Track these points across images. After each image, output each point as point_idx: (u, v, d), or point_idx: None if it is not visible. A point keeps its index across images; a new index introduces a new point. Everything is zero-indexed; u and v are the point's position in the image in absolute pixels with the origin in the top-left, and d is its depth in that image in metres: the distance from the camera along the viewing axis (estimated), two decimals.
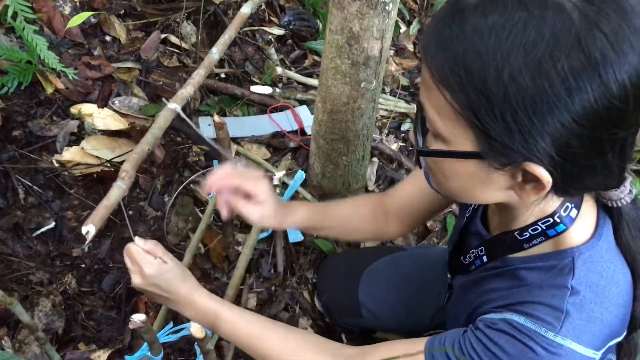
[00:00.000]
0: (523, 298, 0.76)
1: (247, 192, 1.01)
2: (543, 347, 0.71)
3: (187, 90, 1.00)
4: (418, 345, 0.83)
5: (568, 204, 0.75)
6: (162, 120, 0.94)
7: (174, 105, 0.96)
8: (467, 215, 0.98)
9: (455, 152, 0.69)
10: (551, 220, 0.75)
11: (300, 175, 1.69)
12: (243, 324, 0.97)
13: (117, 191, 0.84)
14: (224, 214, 1.03)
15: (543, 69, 0.58)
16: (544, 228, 0.76)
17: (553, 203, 0.75)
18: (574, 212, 0.75)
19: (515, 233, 0.80)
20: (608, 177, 0.68)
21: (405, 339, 0.88)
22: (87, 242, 0.80)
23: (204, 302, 0.97)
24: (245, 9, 1.16)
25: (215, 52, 1.09)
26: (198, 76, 1.03)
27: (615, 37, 0.58)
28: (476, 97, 0.62)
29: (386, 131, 2.11)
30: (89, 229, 0.78)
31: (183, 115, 0.96)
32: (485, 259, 0.89)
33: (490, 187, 0.71)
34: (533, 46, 0.58)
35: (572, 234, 0.76)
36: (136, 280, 0.94)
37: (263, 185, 1.01)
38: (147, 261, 0.92)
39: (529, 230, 0.78)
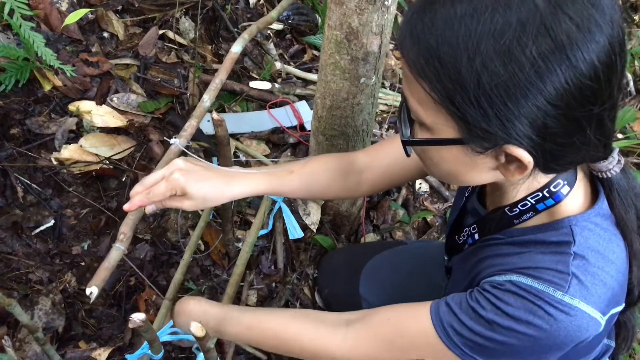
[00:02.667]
0: (526, 264, 0.76)
1: (166, 192, 0.92)
2: (553, 306, 0.72)
3: (181, 142, 1.04)
4: (422, 306, 0.84)
5: (560, 180, 0.76)
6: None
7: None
8: (466, 195, 1.00)
9: (438, 139, 0.71)
10: (540, 194, 0.77)
11: None
12: (238, 318, 1.00)
13: (116, 253, 0.89)
14: (149, 210, 0.94)
15: (513, 55, 0.60)
16: (533, 203, 0.78)
17: (541, 179, 0.76)
18: (565, 189, 0.76)
19: (506, 209, 0.82)
20: (591, 151, 0.70)
21: (407, 303, 0.89)
22: (91, 301, 0.83)
23: (195, 306, 1.03)
24: (235, 48, 1.18)
25: (207, 99, 1.12)
26: (190, 127, 1.07)
27: (580, 18, 0.60)
28: (452, 87, 0.64)
29: (386, 126, 2.10)
30: (92, 291, 0.82)
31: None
32: (476, 236, 0.91)
33: (476, 170, 0.73)
34: (501, 34, 0.60)
35: (566, 205, 0.77)
36: None
37: (181, 185, 0.90)
38: None
39: (519, 206, 0.80)
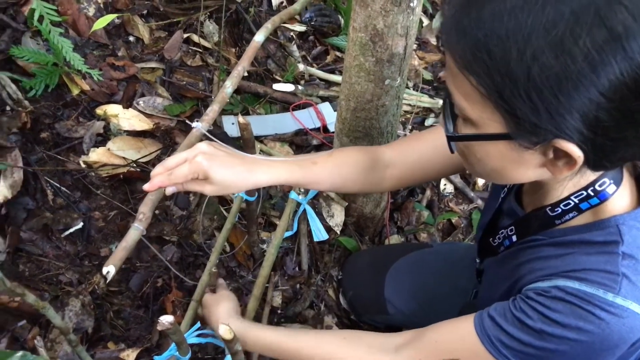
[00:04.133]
0: (572, 266, 0.74)
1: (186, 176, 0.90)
2: (604, 309, 0.70)
3: (203, 125, 1.04)
4: (466, 322, 0.83)
5: (606, 179, 0.74)
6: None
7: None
8: (502, 195, 0.97)
9: (485, 134, 0.70)
10: (584, 193, 0.75)
11: None
12: (274, 340, 1.01)
13: (135, 232, 0.87)
14: (169, 191, 0.92)
15: (565, 46, 0.59)
16: (577, 202, 0.76)
17: (587, 177, 0.74)
18: (611, 188, 0.74)
19: (547, 209, 0.80)
20: None
21: (450, 319, 0.88)
22: (107, 281, 0.83)
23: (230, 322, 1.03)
24: (258, 37, 1.18)
25: (229, 85, 1.12)
26: (212, 112, 1.07)
27: (636, 9, 0.58)
28: (501, 80, 0.62)
29: (410, 127, 2.09)
30: (110, 270, 0.81)
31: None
32: (514, 238, 0.89)
33: (522, 167, 0.71)
34: (553, 25, 0.59)
35: (612, 204, 0.75)
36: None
37: (204, 169, 0.89)
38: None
39: (561, 205, 0.78)
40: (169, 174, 0.89)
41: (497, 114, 0.66)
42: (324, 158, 1.07)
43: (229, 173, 0.90)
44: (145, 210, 0.91)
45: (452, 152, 0.78)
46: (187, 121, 1.75)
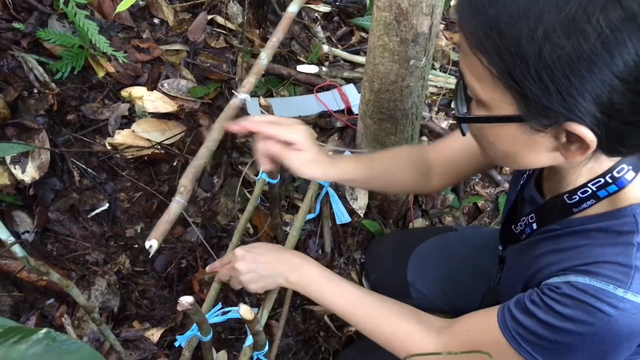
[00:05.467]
0: (585, 259, 0.73)
1: (285, 140, 0.96)
2: (612, 305, 0.69)
3: (237, 100, 1.02)
4: (492, 314, 0.85)
5: (624, 165, 0.72)
6: (215, 133, 0.95)
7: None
8: (521, 182, 0.96)
9: (495, 116, 0.69)
10: (602, 180, 0.73)
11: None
12: (338, 292, 1.04)
13: (177, 206, 0.86)
14: (266, 166, 0.98)
15: (577, 25, 0.57)
16: (594, 190, 0.74)
17: (604, 163, 0.72)
18: (630, 175, 0.72)
19: (565, 197, 0.78)
20: None
21: (481, 310, 0.90)
22: (151, 254, 0.84)
23: (307, 266, 1.07)
24: (292, 8, 1.15)
25: (264, 57, 1.10)
26: (248, 84, 1.05)
27: None
28: (511, 60, 0.61)
29: (436, 108, 2.05)
30: (152, 244, 0.81)
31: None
32: (534, 226, 0.88)
33: (534, 150, 0.70)
34: (566, 2, 0.57)
35: (631, 191, 0.73)
36: (241, 267, 1.08)
37: (300, 131, 0.95)
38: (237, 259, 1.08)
39: (578, 193, 0.76)
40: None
41: (508, 96, 0.65)
42: (368, 158, 1.11)
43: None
44: (186, 182, 0.89)
45: (463, 134, 0.77)
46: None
